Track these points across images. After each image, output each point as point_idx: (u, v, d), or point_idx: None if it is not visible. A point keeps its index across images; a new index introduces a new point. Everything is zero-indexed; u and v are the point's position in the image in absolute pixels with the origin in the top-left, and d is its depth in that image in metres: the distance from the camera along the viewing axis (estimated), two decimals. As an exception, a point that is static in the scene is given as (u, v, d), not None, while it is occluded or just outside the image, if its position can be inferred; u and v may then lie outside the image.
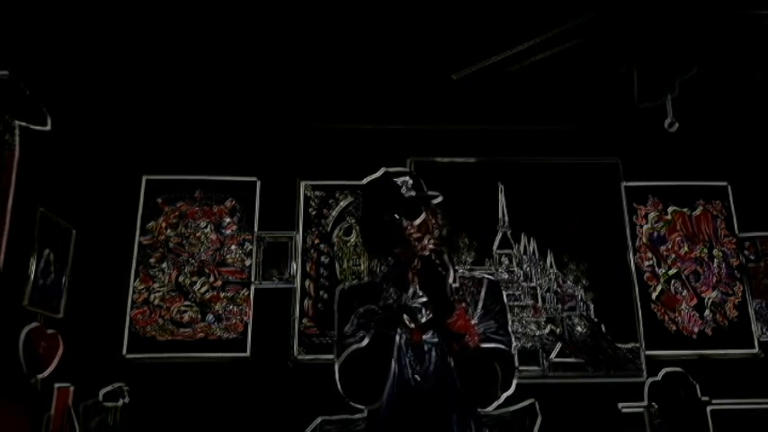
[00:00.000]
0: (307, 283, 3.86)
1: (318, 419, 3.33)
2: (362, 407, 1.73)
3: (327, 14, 3.07)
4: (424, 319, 1.64)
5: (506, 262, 3.98)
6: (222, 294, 3.83)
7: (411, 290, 1.62)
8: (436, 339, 1.65)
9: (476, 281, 1.76)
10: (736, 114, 4.02)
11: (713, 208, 4.15)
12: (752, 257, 4.05)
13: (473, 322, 1.63)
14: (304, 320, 3.78)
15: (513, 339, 1.73)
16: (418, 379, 1.63)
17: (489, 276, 1.80)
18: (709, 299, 3.97)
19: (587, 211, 4.07)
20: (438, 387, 1.62)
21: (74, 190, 3.57)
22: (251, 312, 3.80)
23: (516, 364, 1.74)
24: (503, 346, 1.65)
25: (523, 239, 4.02)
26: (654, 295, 3.96)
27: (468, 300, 1.70)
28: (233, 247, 3.93)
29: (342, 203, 4.01)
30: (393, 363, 1.62)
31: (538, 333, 3.85)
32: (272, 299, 3.83)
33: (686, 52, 2.86)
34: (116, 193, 3.88)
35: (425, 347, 1.65)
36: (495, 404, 1.67)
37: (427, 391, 1.62)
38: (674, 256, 4.05)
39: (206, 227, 3.95)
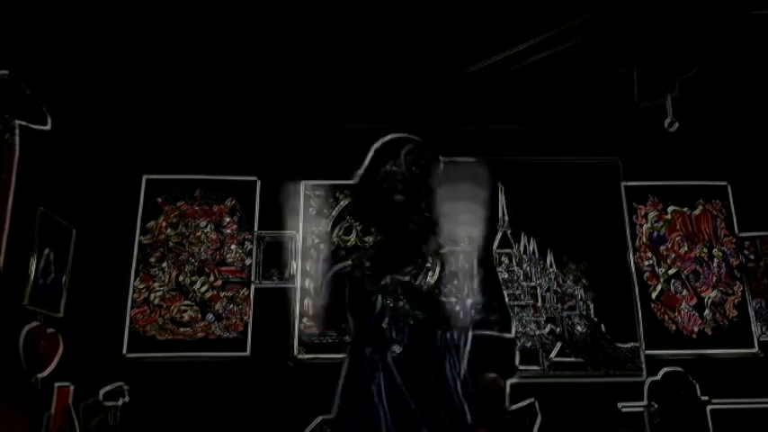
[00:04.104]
0: (307, 282, 3.86)
1: (318, 419, 3.33)
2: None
3: (328, 15, 3.07)
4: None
5: (506, 261, 3.98)
6: (222, 294, 3.83)
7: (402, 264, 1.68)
8: (422, 315, 1.64)
9: (457, 254, 1.77)
10: (736, 114, 4.02)
11: (713, 207, 4.15)
12: (752, 257, 4.05)
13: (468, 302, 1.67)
14: (304, 320, 3.79)
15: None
16: (396, 351, 1.61)
17: (466, 248, 1.80)
18: (708, 298, 3.97)
19: (587, 211, 4.07)
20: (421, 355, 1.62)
21: (74, 190, 3.57)
22: (251, 312, 3.80)
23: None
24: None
25: (523, 239, 4.02)
26: (654, 295, 3.96)
27: (460, 275, 1.71)
28: (233, 246, 3.93)
29: (342, 203, 4.02)
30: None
31: (538, 333, 3.86)
32: (272, 298, 3.83)
33: (686, 52, 2.86)
34: (116, 193, 3.88)
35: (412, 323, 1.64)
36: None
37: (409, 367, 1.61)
38: (673, 255, 4.06)
39: (206, 226, 3.95)
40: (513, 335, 1.73)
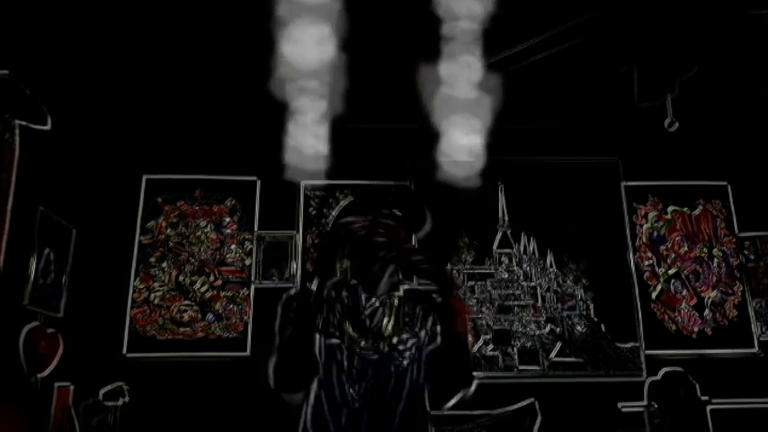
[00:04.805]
0: (307, 282, 3.86)
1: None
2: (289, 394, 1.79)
3: (327, 15, 3.07)
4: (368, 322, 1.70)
5: (506, 261, 3.98)
6: (222, 294, 3.83)
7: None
8: (376, 356, 1.66)
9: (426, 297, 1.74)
10: (736, 114, 4.02)
11: (713, 207, 4.15)
12: (752, 257, 4.05)
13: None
14: (304, 320, 3.78)
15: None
16: (354, 395, 1.63)
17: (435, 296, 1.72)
18: (708, 298, 3.97)
19: (587, 210, 4.07)
20: (375, 401, 1.62)
21: (74, 190, 3.57)
22: (251, 312, 3.80)
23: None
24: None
25: (523, 239, 4.02)
26: (654, 295, 3.96)
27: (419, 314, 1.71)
28: (233, 246, 3.93)
29: (342, 203, 4.01)
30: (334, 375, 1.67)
31: (538, 333, 3.86)
32: (272, 298, 3.81)
33: (686, 52, 2.86)
34: (116, 193, 3.88)
35: (364, 363, 1.66)
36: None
37: (362, 408, 1.61)
38: (673, 255, 4.06)
39: (206, 226, 3.95)
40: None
